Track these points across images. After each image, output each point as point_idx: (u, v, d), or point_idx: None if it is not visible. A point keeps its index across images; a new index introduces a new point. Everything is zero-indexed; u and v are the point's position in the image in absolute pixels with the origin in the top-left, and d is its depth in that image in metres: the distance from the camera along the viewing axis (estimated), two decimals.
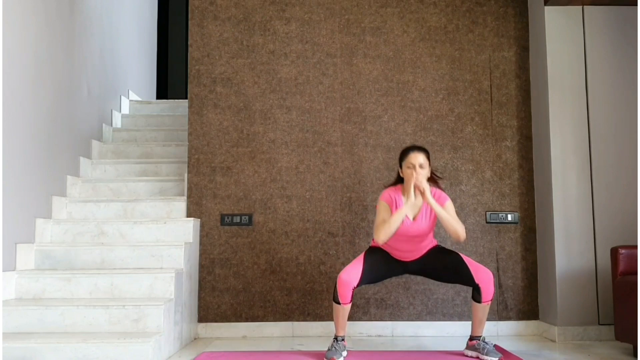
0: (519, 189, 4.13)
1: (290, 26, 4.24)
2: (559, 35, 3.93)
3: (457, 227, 3.11)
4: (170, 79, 8.45)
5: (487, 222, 4.09)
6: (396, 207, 3.18)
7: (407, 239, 3.21)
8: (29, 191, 3.57)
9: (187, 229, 3.89)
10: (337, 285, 3.13)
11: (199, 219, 4.07)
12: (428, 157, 3.19)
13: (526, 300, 4.04)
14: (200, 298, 4.01)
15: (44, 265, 3.64)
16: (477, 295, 3.17)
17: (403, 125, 4.16)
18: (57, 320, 3.13)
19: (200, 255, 4.05)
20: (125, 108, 6.02)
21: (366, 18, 4.25)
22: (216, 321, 3.99)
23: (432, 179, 3.28)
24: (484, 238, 4.08)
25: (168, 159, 4.86)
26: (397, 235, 3.18)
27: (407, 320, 4.01)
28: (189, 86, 4.20)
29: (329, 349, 3.19)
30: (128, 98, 6.14)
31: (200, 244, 4.06)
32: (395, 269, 3.32)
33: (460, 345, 3.63)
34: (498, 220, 4.09)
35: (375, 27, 4.25)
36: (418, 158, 3.14)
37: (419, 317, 4.02)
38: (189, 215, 4.09)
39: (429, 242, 3.31)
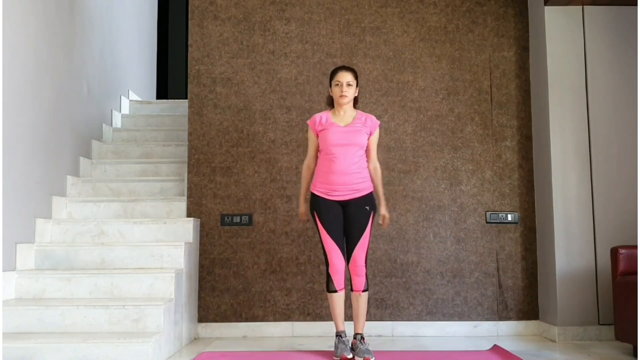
0: (519, 189, 4.13)
1: (290, 26, 4.24)
2: (559, 35, 3.93)
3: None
4: (170, 79, 8.45)
5: (487, 222, 4.09)
6: (322, 127, 3.28)
7: (342, 156, 3.20)
8: (29, 191, 3.57)
9: (187, 229, 3.89)
10: (330, 275, 3.19)
11: (199, 219, 4.07)
12: (356, 77, 3.31)
13: (526, 300, 4.04)
14: (200, 298, 4.01)
15: (44, 265, 3.64)
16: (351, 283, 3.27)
17: (403, 125, 4.16)
18: (57, 320, 3.13)
19: (200, 255, 4.05)
20: (125, 108, 6.01)
21: (366, 18, 4.25)
22: (216, 321, 3.99)
23: (355, 101, 3.38)
24: (484, 238, 4.08)
25: (168, 159, 4.86)
26: (332, 145, 3.21)
27: (407, 320, 4.01)
28: (189, 86, 4.20)
29: (336, 348, 3.20)
30: (128, 98, 6.14)
31: (200, 244, 4.06)
32: (339, 212, 3.27)
33: (460, 345, 3.63)
34: (498, 220, 4.09)
35: (375, 27, 4.25)
36: (345, 77, 3.26)
37: (419, 317, 4.02)
38: (189, 215, 4.09)
39: (364, 176, 3.28)
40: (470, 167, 4.14)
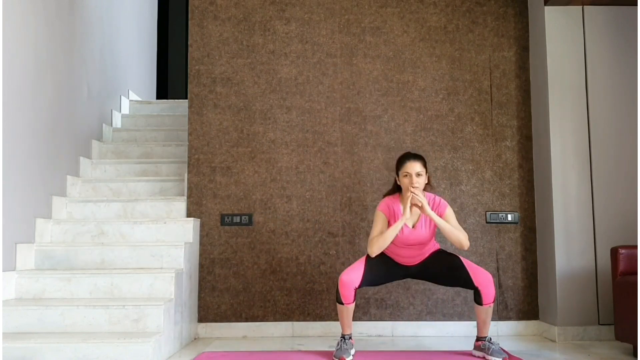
0: (519, 189, 4.13)
1: (290, 26, 4.24)
2: (559, 35, 3.93)
3: (459, 236, 3.12)
4: (170, 79, 8.45)
5: (487, 222, 4.09)
6: (394, 218, 3.19)
7: (407, 247, 3.22)
8: (29, 191, 3.57)
9: (187, 229, 3.89)
10: (338, 286, 3.15)
11: (199, 219, 4.07)
12: (425, 165, 3.18)
13: (526, 300, 4.04)
14: (200, 298, 4.01)
15: (44, 265, 3.64)
16: (478, 298, 3.17)
17: (403, 125, 4.16)
18: (57, 320, 3.13)
19: (200, 255, 4.05)
20: (125, 108, 6.01)
21: (366, 18, 4.25)
22: (216, 321, 3.99)
23: (429, 185, 3.28)
24: (484, 238, 4.08)
25: (168, 159, 4.86)
26: (397, 243, 3.19)
27: (407, 320, 4.01)
28: (189, 86, 4.20)
29: (337, 348, 3.21)
30: (128, 98, 6.14)
31: (200, 244, 4.06)
32: (396, 273, 3.34)
33: (460, 345, 3.63)
34: (498, 220, 4.09)
35: (375, 27, 4.25)
36: (415, 167, 3.12)
37: (419, 317, 4.02)
38: (189, 215, 4.09)
39: (431, 247, 3.32)
40: (470, 167, 4.14)
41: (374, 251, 3.12)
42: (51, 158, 3.91)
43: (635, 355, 3.24)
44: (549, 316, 3.86)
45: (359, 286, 3.16)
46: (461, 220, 4.08)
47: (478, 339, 3.30)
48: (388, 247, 3.23)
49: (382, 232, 3.14)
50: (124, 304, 3.16)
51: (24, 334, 3.07)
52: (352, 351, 3.23)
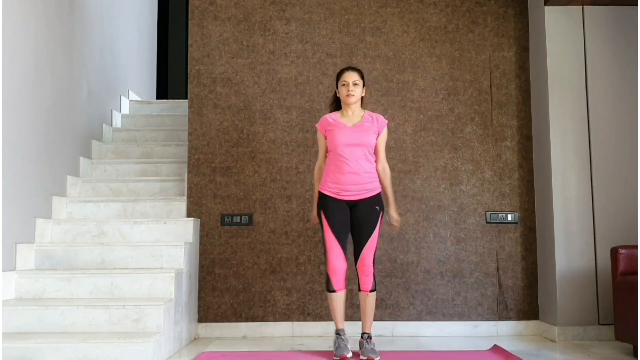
0: (519, 189, 4.13)
1: (290, 26, 4.24)
2: (559, 35, 3.93)
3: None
4: (170, 79, 8.45)
5: (487, 222, 4.09)
6: (327, 129, 3.30)
7: (351, 156, 3.21)
8: (29, 191, 3.57)
9: (187, 229, 3.89)
10: (329, 275, 3.19)
11: (199, 219, 4.07)
12: (362, 77, 3.34)
13: (526, 300, 4.04)
14: (200, 298, 4.01)
15: (44, 265, 3.64)
16: (359, 282, 3.26)
17: (403, 125, 4.16)
18: (57, 320, 3.13)
19: (200, 255, 4.05)
20: (125, 108, 6.01)
21: (366, 18, 4.25)
22: (216, 321, 3.99)
23: (363, 100, 3.40)
24: (484, 238, 4.08)
25: (168, 159, 4.86)
26: (342, 145, 3.22)
27: (407, 320, 4.01)
28: (189, 86, 4.20)
29: (336, 347, 3.21)
30: (128, 98, 6.14)
31: (200, 244, 4.06)
32: (347, 214, 3.28)
33: (460, 345, 3.64)
34: (498, 220, 4.09)
35: (375, 27, 4.24)
36: (352, 76, 3.29)
37: (419, 317, 4.02)
38: (189, 215, 4.09)
39: (373, 177, 3.29)
40: (470, 167, 4.14)
41: (316, 169, 3.42)
42: (51, 158, 3.91)
43: (635, 355, 3.24)
44: (549, 316, 3.86)
45: (354, 260, 3.24)
46: (461, 220, 4.08)
47: (361, 334, 3.30)
48: (334, 170, 3.25)
49: (322, 160, 3.37)
50: (124, 304, 3.16)
51: (24, 334, 3.07)
52: (350, 346, 3.24)
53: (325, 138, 3.32)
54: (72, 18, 4.34)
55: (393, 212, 3.36)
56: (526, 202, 4.12)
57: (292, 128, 4.16)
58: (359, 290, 3.26)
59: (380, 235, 3.31)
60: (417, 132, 4.16)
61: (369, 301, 3.23)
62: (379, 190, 3.30)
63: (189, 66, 4.22)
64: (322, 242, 3.29)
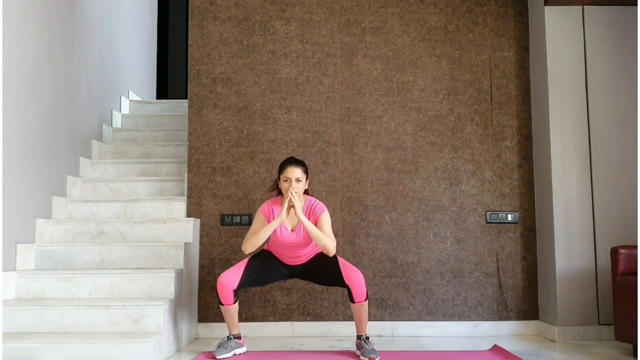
0: (519, 189, 4.13)
1: (290, 26, 4.24)
2: (559, 35, 3.93)
3: (325, 242, 3.16)
4: (170, 79, 8.45)
5: (487, 222, 4.09)
6: (273, 219, 3.25)
7: (288, 248, 3.28)
8: (29, 191, 3.57)
9: (187, 229, 3.89)
10: (217, 288, 3.20)
11: (199, 219, 4.07)
12: (306, 172, 3.26)
13: (526, 300, 4.04)
14: (200, 298, 4.01)
15: (44, 265, 3.64)
16: (350, 296, 3.22)
17: (403, 125, 4.16)
18: (57, 320, 3.13)
19: (200, 255, 4.05)
20: (125, 108, 6.01)
21: (366, 18, 4.25)
22: (216, 321, 3.99)
23: (306, 192, 3.36)
24: (484, 238, 4.08)
25: (168, 159, 4.86)
26: (278, 244, 3.27)
27: (407, 320, 4.01)
28: (189, 86, 4.20)
29: (218, 346, 3.26)
30: (128, 98, 6.14)
31: (200, 244, 4.06)
32: (280, 272, 3.38)
33: (460, 345, 3.63)
34: (498, 220, 4.09)
35: (375, 27, 4.24)
36: (295, 172, 3.19)
37: (419, 317, 4.02)
38: (189, 215, 4.09)
39: (315, 249, 3.35)
40: (470, 167, 4.14)
41: (247, 248, 3.18)
42: (51, 158, 3.91)
43: (635, 355, 3.24)
44: (549, 316, 3.86)
45: (237, 288, 3.20)
46: (461, 220, 4.08)
47: (357, 337, 3.31)
48: (273, 247, 3.32)
49: (256, 232, 3.19)
50: (124, 304, 3.16)
51: (24, 334, 3.07)
52: (238, 350, 3.31)
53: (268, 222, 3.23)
54: (72, 18, 4.34)
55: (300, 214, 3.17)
56: (526, 202, 4.12)
57: (292, 128, 4.16)
58: (351, 302, 3.22)
59: (343, 260, 3.27)
60: (417, 132, 4.16)
61: (363, 310, 3.24)
62: (318, 251, 3.35)
63: (189, 66, 4.22)
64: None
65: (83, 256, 3.65)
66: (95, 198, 4.22)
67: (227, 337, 3.31)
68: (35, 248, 3.64)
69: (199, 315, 3.99)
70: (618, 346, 3.55)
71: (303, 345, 3.66)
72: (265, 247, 3.43)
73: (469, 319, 4.01)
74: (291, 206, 3.18)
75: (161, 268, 3.62)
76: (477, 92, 4.20)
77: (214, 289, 4.01)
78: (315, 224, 3.21)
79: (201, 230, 4.07)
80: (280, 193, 3.34)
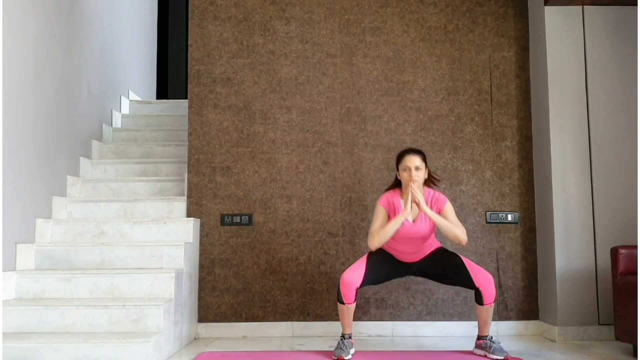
0: (519, 189, 4.13)
1: (290, 26, 4.24)
2: (559, 35, 3.93)
3: (456, 232, 3.15)
4: (170, 79, 8.45)
5: (487, 222, 4.09)
6: (394, 212, 3.24)
7: (407, 241, 3.24)
8: (29, 191, 3.57)
9: (187, 229, 3.89)
10: (340, 286, 3.18)
11: (199, 219, 4.07)
12: (424, 159, 3.25)
13: (526, 300, 4.04)
14: (200, 298, 4.01)
15: (44, 265, 3.64)
16: (479, 298, 3.19)
17: (403, 125, 4.16)
18: (57, 320, 3.13)
19: (200, 255, 4.05)
20: (125, 108, 6.02)
21: (366, 18, 4.25)
22: (216, 321, 3.99)
23: (430, 181, 3.34)
24: (484, 238, 4.08)
25: (168, 159, 4.86)
26: (397, 237, 3.22)
27: (407, 320, 4.01)
28: (189, 86, 4.20)
29: (336, 347, 3.22)
30: (128, 98, 6.14)
31: (200, 244, 4.06)
32: (398, 271, 3.36)
33: (460, 345, 3.63)
34: (498, 220, 4.09)
35: (375, 27, 4.25)
36: (414, 161, 3.19)
37: (419, 317, 4.02)
38: (189, 215, 4.09)
39: (431, 244, 3.34)
40: (470, 167, 4.14)
41: (375, 244, 3.16)
42: (51, 158, 3.91)
43: (635, 355, 3.24)
44: (549, 316, 3.86)
45: (361, 286, 3.19)
46: (461, 220, 4.08)
47: (479, 337, 3.31)
48: (389, 242, 3.26)
49: (382, 227, 3.18)
50: (124, 304, 3.16)
51: (24, 334, 3.07)
52: (352, 350, 3.25)
53: (388, 216, 3.25)
54: (72, 18, 4.34)
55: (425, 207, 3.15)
56: (526, 202, 4.12)
57: (292, 128, 4.16)
58: (479, 304, 3.20)
59: (470, 262, 3.24)
60: (417, 132, 4.16)
61: (490, 311, 3.22)
62: (438, 246, 3.36)
63: (189, 66, 4.22)
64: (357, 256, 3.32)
65: (83, 256, 3.65)
66: (95, 198, 4.22)
67: (342, 336, 3.27)
68: (35, 248, 3.64)
69: (199, 315, 3.99)
70: (618, 346, 3.55)
71: (303, 345, 3.66)
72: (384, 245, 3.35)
73: (469, 319, 4.01)
74: (415, 202, 3.14)
75: (161, 268, 3.62)
76: (477, 92, 4.20)
77: (214, 289, 4.01)
78: (440, 213, 3.21)
79: (201, 230, 4.07)
80: (397, 185, 3.34)
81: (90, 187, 4.44)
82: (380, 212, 3.26)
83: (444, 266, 3.27)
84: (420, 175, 3.20)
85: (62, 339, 2.93)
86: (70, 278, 3.39)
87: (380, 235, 3.15)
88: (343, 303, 3.18)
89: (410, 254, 3.30)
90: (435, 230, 3.34)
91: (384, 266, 3.30)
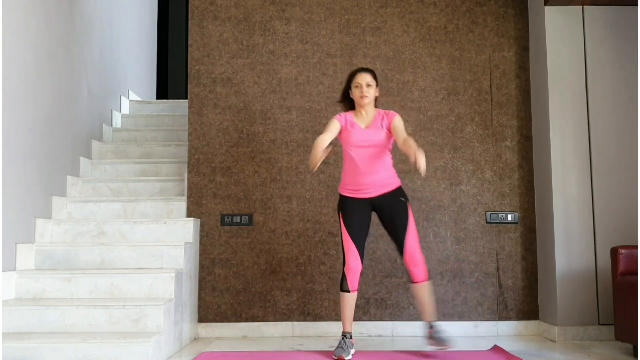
0: (519, 189, 4.13)
1: (290, 26, 4.24)
2: (559, 35, 3.93)
3: (410, 142, 3.03)
4: (170, 79, 8.45)
5: (487, 222, 4.09)
6: (344, 125, 3.30)
7: (366, 157, 3.24)
8: (29, 191, 3.57)
9: (187, 229, 3.89)
10: (345, 274, 3.22)
11: (199, 219, 4.07)
12: (375, 78, 3.35)
13: (526, 300, 4.04)
14: (200, 298, 4.01)
15: (44, 265, 3.64)
16: (409, 276, 3.28)
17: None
18: (57, 320, 3.13)
19: (200, 255, 4.05)
20: (125, 108, 6.01)
21: (366, 18, 4.25)
22: (216, 321, 3.99)
23: (377, 100, 3.41)
24: (484, 238, 4.08)
25: (168, 159, 4.86)
26: (353, 144, 3.25)
27: (407, 320, 4.01)
28: (189, 86, 4.21)
29: (337, 347, 3.22)
30: (128, 98, 6.14)
31: (200, 244, 4.06)
32: (365, 213, 3.31)
33: (461, 345, 3.63)
34: (498, 220, 4.09)
35: (375, 27, 4.25)
36: (365, 78, 3.30)
37: (419, 317, 4.01)
38: (189, 215, 4.09)
39: (392, 175, 3.34)
40: (470, 167, 4.14)
41: (312, 154, 3.12)
42: (51, 158, 3.91)
43: (635, 355, 3.24)
44: (549, 316, 3.86)
45: (362, 267, 3.26)
46: (461, 220, 4.08)
47: (428, 326, 3.32)
48: (350, 166, 3.28)
49: (326, 132, 3.24)
50: (124, 304, 3.16)
51: (24, 334, 3.07)
52: (352, 350, 3.24)
53: (341, 128, 3.30)
54: (72, 18, 4.34)
55: (418, 153, 2.99)
56: (526, 202, 4.12)
57: (292, 128, 4.16)
58: (412, 282, 3.28)
59: (416, 225, 3.28)
60: (417, 132, 4.16)
61: (425, 291, 3.27)
62: (399, 184, 3.35)
63: (189, 66, 4.22)
64: (341, 243, 3.32)
65: (83, 256, 3.65)
66: (95, 198, 4.22)
67: (343, 336, 3.28)
68: (35, 248, 3.64)
69: (199, 315, 3.99)
70: (618, 346, 3.55)
71: (303, 345, 3.67)
72: (340, 187, 3.37)
73: (469, 319, 4.01)
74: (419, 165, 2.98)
75: (161, 268, 3.62)
76: (477, 92, 4.20)
77: (214, 289, 4.01)
78: (389, 129, 3.26)
79: (201, 230, 4.07)
80: (350, 107, 3.41)
81: (90, 187, 4.44)
82: (332, 124, 3.30)
83: (393, 210, 3.28)
84: (371, 92, 3.30)
85: (62, 339, 2.93)
86: (70, 278, 3.39)
87: (317, 140, 3.16)
88: (348, 291, 3.22)
89: (371, 184, 3.26)
90: (392, 144, 3.33)
91: (355, 219, 3.28)
